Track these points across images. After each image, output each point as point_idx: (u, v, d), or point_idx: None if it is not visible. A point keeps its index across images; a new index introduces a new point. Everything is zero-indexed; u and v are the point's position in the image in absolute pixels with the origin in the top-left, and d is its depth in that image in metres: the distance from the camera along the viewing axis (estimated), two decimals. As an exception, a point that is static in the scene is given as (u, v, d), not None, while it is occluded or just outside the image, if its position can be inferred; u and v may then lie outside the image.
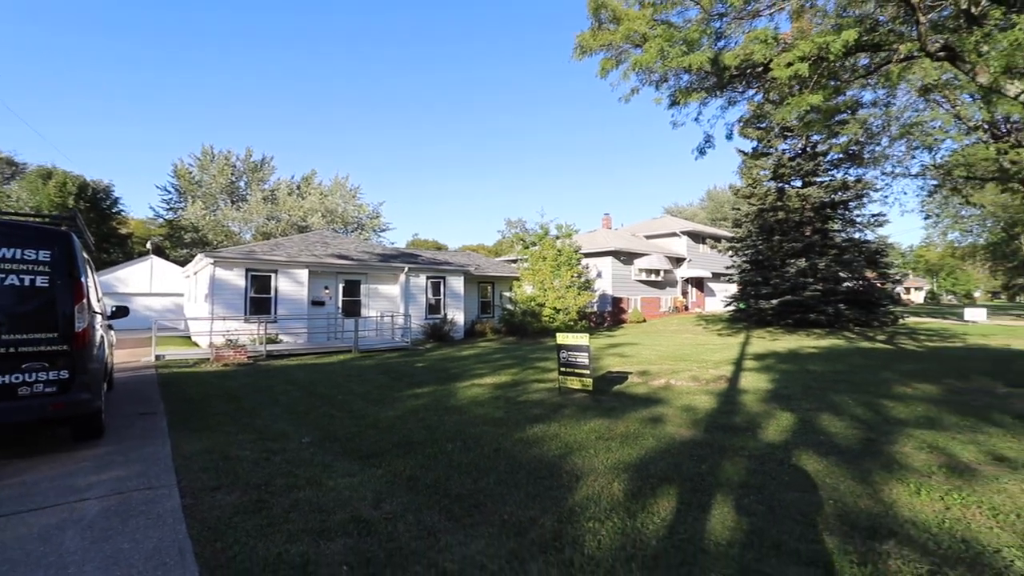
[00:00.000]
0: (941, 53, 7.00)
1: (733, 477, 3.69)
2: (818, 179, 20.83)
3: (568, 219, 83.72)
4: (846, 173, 20.97)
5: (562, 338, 7.30)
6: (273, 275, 15.06)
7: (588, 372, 6.96)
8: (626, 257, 26.85)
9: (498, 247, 63.53)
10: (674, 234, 31.17)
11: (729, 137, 9.66)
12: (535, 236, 20.17)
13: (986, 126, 19.41)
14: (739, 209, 22.87)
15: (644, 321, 25.58)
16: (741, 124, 9.71)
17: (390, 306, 17.56)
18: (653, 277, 27.72)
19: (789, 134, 20.52)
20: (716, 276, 30.54)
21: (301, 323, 15.39)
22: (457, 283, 19.12)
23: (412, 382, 8.81)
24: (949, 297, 73.27)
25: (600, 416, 5.79)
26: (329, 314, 16.28)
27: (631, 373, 9.10)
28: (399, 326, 16.90)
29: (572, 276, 19.21)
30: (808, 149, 20.84)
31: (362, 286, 17.18)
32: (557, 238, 19.89)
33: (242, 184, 41.94)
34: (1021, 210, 32.83)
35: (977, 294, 74.30)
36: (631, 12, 7.76)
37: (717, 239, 29.80)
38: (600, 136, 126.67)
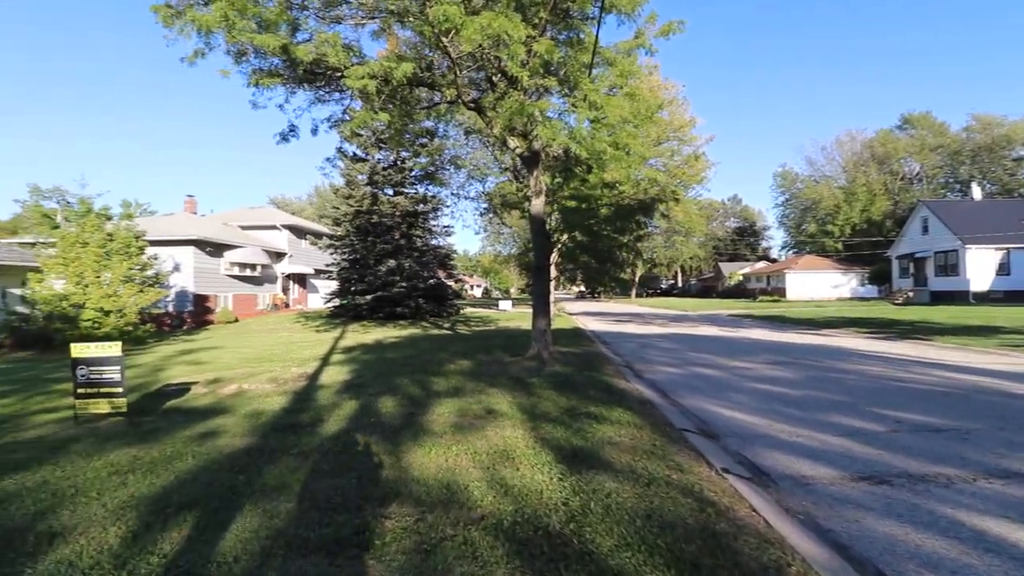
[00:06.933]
0: (472, 104, 9.07)
1: (270, 482, 3.54)
2: (406, 190, 23.86)
3: (143, 197, 66.83)
4: (427, 189, 24.89)
5: (80, 349, 5.51)
6: None
7: (121, 390, 5.49)
8: (214, 248, 23.45)
9: (16, 224, 44.60)
10: (275, 227, 29.39)
11: (315, 133, 9.68)
12: (70, 212, 14.87)
13: (512, 169, 26.93)
14: (339, 208, 23.65)
15: (236, 321, 23.02)
16: (331, 124, 9.84)
17: None
18: (249, 272, 25.30)
19: (384, 145, 22.66)
20: (319, 272, 30.69)
21: None
22: (-101, 273, 11.98)
23: None
24: (496, 292, 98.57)
25: (131, 443, 4.63)
26: None
27: (197, 383, 7.85)
28: None
29: (130, 268, 15.18)
30: (398, 163, 23.57)
31: None
32: (108, 218, 15.28)
33: None
34: (530, 232, 47.58)
35: (512, 290, 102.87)
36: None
37: (319, 236, 29.95)
38: (190, 104, 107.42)
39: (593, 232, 13.45)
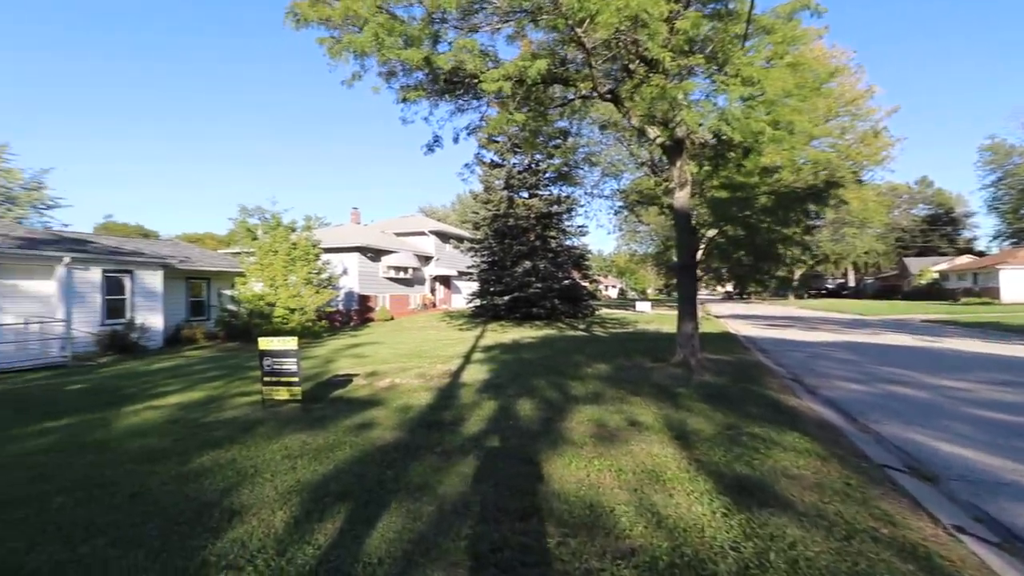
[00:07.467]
0: (608, 95, 8.65)
1: (414, 480, 3.60)
2: (540, 192, 24.08)
3: (319, 212, 78.18)
4: (560, 189, 24.85)
5: (265, 343, 6.35)
6: None
7: (297, 380, 6.20)
8: (374, 254, 26.20)
9: (230, 237, 54.97)
10: (423, 233, 31.94)
11: (456, 141, 10.11)
12: (265, 226, 17.76)
13: (649, 163, 25.62)
14: (478, 213, 24.76)
15: (392, 319, 25.42)
16: (469, 131, 10.18)
17: (43, 309, 12.95)
18: (402, 275, 27.80)
19: (518, 150, 23.15)
20: (461, 274, 32.56)
21: None
22: (153, 279, 15.39)
23: (47, 412, 6.48)
24: (632, 293, 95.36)
25: (302, 429, 5.16)
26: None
27: (358, 375, 8.65)
28: (56, 335, 12.61)
29: (309, 272, 17.59)
30: (532, 165, 23.88)
31: (-12, 282, 12.22)
32: (293, 230, 17.93)
33: None
34: (670, 229, 44.69)
35: (650, 291, 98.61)
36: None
37: (460, 239, 31.81)
38: (356, 129, 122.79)
39: (750, 225, 11.87)
